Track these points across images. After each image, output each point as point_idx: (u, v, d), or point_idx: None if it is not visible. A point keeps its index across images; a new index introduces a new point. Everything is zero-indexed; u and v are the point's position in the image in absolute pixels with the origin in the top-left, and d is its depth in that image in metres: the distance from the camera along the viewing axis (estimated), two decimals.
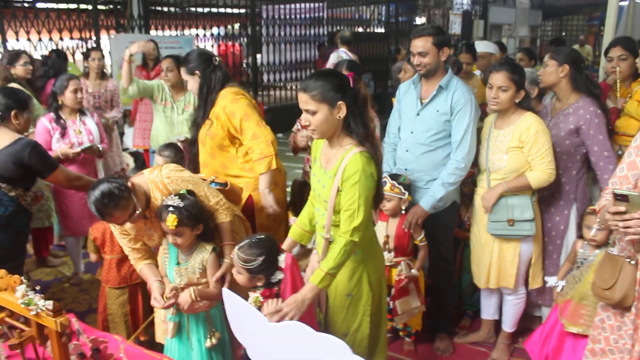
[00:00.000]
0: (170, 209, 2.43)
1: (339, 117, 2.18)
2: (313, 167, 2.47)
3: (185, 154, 3.39)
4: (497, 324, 3.46)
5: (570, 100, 3.14)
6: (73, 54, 7.81)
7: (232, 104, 3.16)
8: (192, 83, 3.27)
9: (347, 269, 2.34)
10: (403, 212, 3.15)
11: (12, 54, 4.67)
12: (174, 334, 2.65)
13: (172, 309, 2.58)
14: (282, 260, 2.34)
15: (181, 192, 2.53)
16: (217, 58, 3.29)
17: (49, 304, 1.59)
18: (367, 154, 2.21)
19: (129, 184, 2.46)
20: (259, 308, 2.22)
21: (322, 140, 2.38)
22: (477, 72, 5.16)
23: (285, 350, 1.14)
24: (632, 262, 2.29)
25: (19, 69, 4.55)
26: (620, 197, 2.05)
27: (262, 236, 2.36)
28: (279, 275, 2.33)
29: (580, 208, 3.17)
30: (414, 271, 3.19)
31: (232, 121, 3.15)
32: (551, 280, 3.18)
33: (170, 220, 2.41)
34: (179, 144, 3.57)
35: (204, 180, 2.82)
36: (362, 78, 4.01)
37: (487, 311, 3.46)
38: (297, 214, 2.98)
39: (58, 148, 3.87)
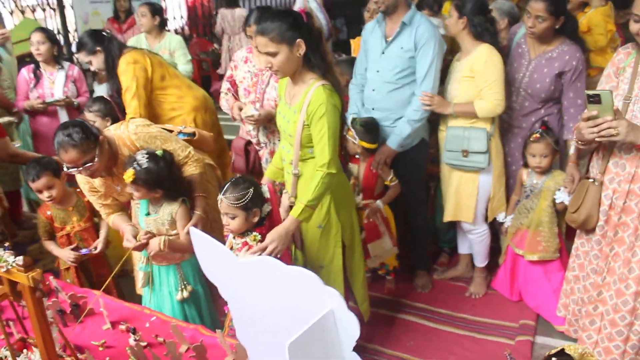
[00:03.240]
0: (134, 164, 2.43)
1: (299, 54, 2.26)
2: (279, 105, 2.53)
3: (113, 104, 3.42)
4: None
5: (553, 43, 3.04)
6: (33, 12, 7.53)
7: (122, 75, 3.40)
8: (97, 61, 3.49)
9: None
10: (357, 156, 3.20)
11: None
12: (145, 284, 2.69)
13: (143, 258, 2.60)
14: (266, 191, 2.39)
15: (157, 152, 2.51)
16: (107, 31, 3.58)
17: (19, 259, 1.57)
18: (329, 86, 2.29)
19: (101, 136, 2.45)
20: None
21: (287, 79, 2.44)
22: None
23: (257, 286, 1.14)
24: (596, 183, 2.35)
25: None
26: (592, 98, 2.09)
27: (237, 175, 2.40)
28: (267, 208, 2.38)
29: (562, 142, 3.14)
30: (379, 202, 3.21)
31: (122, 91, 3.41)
32: (500, 216, 3.23)
33: (127, 175, 2.42)
34: (106, 95, 3.58)
35: (171, 132, 2.79)
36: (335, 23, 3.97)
37: (463, 246, 3.54)
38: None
39: (33, 96, 4.11)
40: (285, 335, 1.09)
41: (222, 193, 2.29)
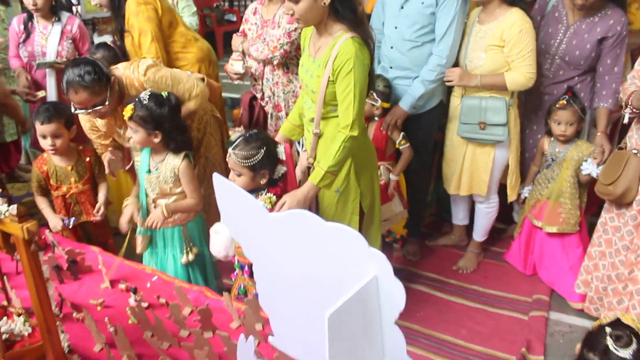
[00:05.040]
0: (136, 100, 2.28)
1: (324, 3, 2.07)
2: (302, 57, 2.35)
3: (117, 50, 3.22)
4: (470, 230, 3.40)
5: (595, 6, 2.79)
6: None
7: (133, 17, 3.10)
8: None
9: None
10: (376, 119, 3.02)
11: None
12: (144, 248, 2.53)
13: (141, 221, 2.44)
14: (282, 152, 2.23)
15: (163, 93, 2.35)
16: None
17: (13, 208, 1.41)
18: (359, 39, 2.10)
19: (112, 77, 2.34)
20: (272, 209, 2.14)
21: (310, 29, 2.25)
22: None
23: (290, 244, 0.99)
24: (639, 154, 2.21)
25: None
26: None
27: (254, 130, 2.22)
28: (281, 170, 2.23)
29: (592, 114, 2.97)
30: (392, 176, 3.07)
31: (133, 34, 3.10)
32: (525, 191, 3.09)
33: (127, 109, 2.26)
34: (109, 42, 3.34)
35: None
36: None
37: (457, 216, 3.43)
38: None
39: (23, 54, 3.68)
40: (321, 303, 0.95)
41: (232, 147, 2.15)
